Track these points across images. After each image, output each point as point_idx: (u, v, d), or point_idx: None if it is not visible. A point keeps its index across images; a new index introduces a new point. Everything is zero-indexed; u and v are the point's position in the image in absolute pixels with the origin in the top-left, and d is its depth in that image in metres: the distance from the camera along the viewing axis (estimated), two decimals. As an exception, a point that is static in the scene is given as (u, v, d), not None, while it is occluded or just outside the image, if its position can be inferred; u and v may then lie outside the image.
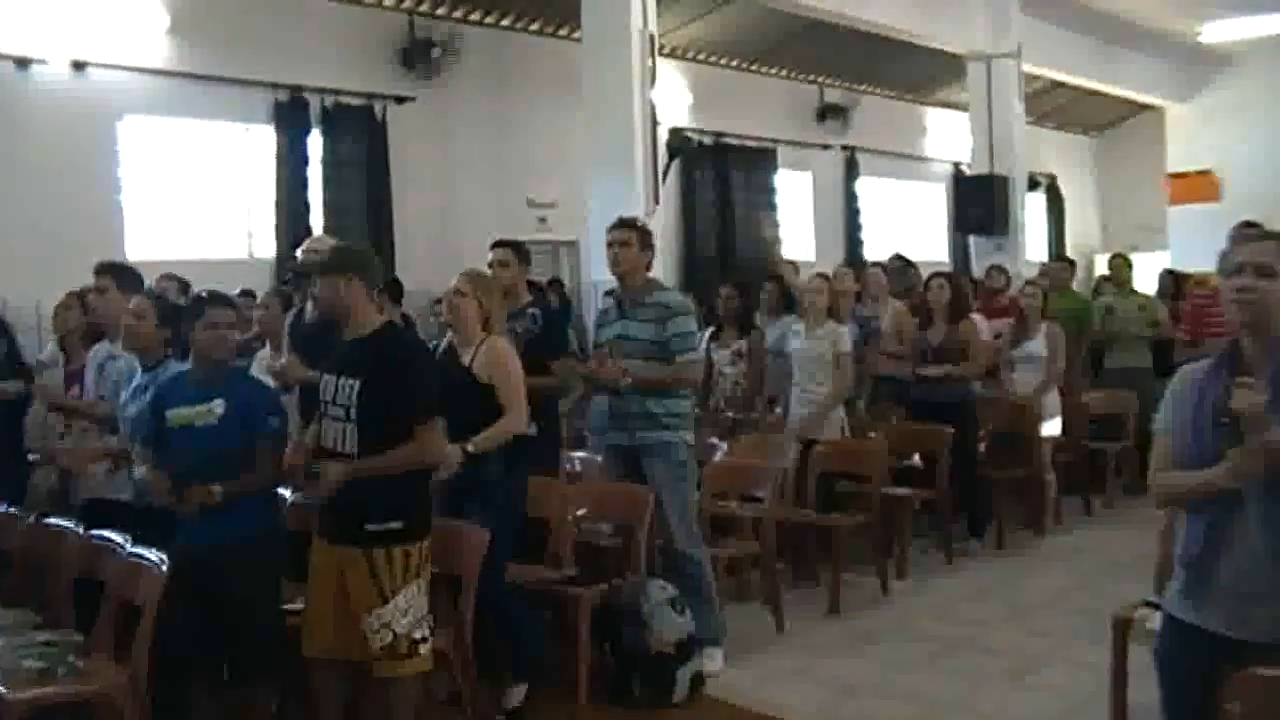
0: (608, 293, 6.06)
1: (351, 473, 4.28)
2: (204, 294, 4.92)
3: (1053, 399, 8.86)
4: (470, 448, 4.97)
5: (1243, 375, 2.98)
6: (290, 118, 10.50)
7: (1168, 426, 3.14)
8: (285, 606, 4.70)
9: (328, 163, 10.75)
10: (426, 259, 10.93)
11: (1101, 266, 18.80)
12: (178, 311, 5.24)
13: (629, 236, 5.82)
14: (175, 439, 4.66)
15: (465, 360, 5.19)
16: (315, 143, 10.69)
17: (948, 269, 14.70)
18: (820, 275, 8.13)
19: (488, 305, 5.28)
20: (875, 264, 9.86)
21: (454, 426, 4.71)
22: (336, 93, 10.79)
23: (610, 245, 5.82)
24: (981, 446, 8.50)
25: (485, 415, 5.10)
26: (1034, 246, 16.69)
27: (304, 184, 10.55)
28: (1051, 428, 8.82)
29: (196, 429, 4.62)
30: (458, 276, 5.37)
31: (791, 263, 10.99)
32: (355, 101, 10.94)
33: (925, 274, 10.68)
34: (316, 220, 10.53)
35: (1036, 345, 8.81)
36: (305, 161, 10.57)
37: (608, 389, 5.80)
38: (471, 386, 5.11)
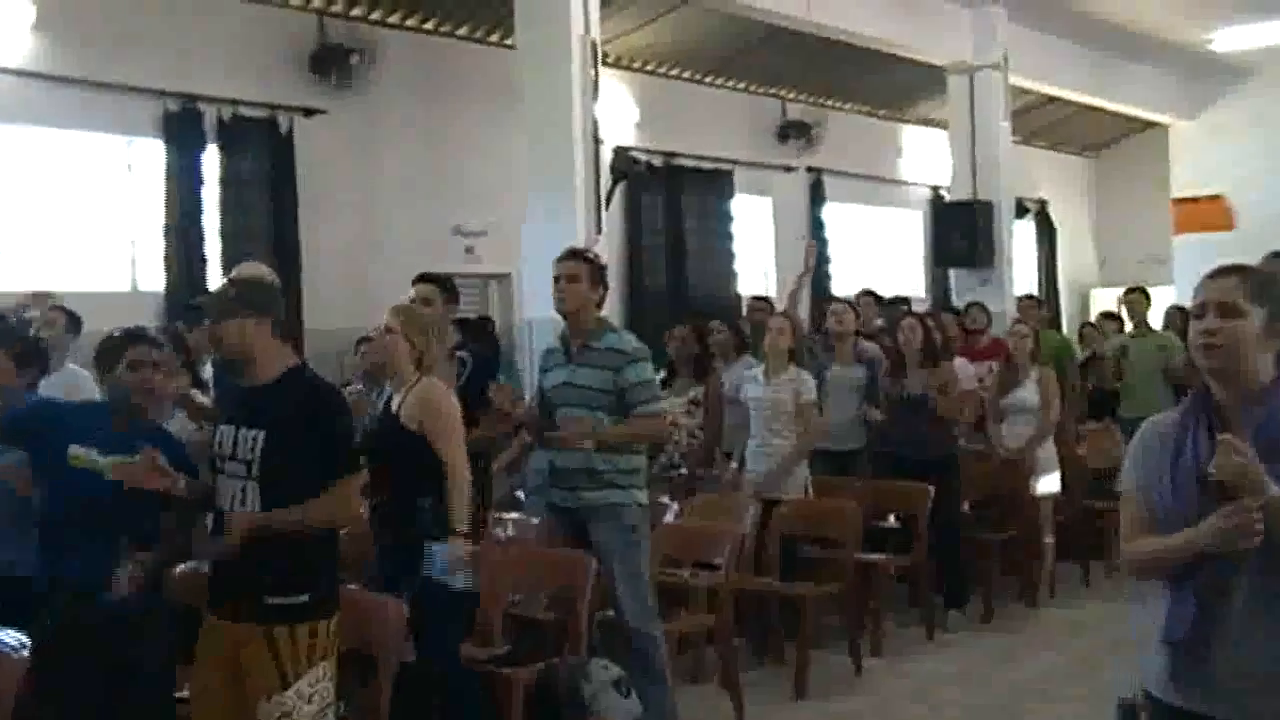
0: (561, 339, 6.08)
1: (261, 522, 4.25)
2: (128, 330, 4.91)
3: (1049, 452, 8.96)
4: (462, 528, 5.05)
5: (1223, 430, 2.95)
6: (181, 130, 10.46)
7: (1137, 486, 3.12)
8: (176, 694, 4.67)
9: (225, 183, 10.67)
10: (339, 295, 10.92)
11: (1100, 303, 19.13)
12: (37, 346, 5.25)
13: (578, 270, 5.87)
14: (70, 477, 4.50)
15: (395, 406, 5.24)
16: (210, 159, 10.61)
17: (925, 306, 14.93)
18: (783, 314, 8.25)
19: (420, 343, 5.34)
20: (839, 300, 9.93)
21: (393, 486, 4.73)
22: (235, 103, 10.76)
23: (557, 279, 5.87)
24: (965, 506, 8.60)
25: (421, 471, 5.13)
26: (1023, 280, 16.90)
27: (197, 207, 10.45)
28: (1049, 484, 8.91)
29: (98, 480, 4.46)
30: (388, 311, 5.43)
31: (763, 300, 11.07)
32: (257, 113, 10.93)
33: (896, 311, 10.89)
34: (212, 248, 10.44)
35: (1028, 392, 8.91)
36: (199, 181, 10.49)
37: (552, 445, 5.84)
38: (397, 435, 5.15)
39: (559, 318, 6.02)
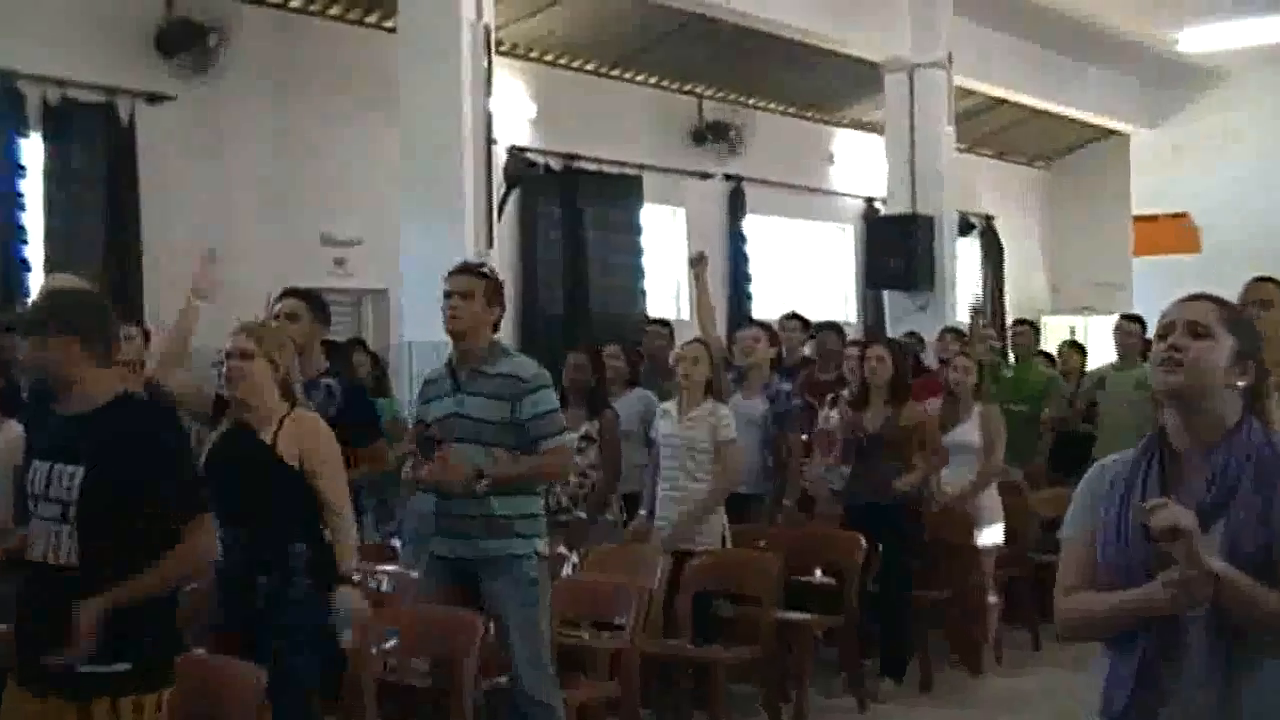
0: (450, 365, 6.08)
1: (114, 605, 4.06)
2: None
3: (992, 500, 9.08)
4: (356, 577, 5.04)
5: (1177, 475, 3.00)
6: (-3, 114, 10.33)
7: (1081, 533, 3.15)
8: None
9: (51, 177, 10.52)
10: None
11: (1053, 331, 19.39)
12: None
13: (472, 286, 5.90)
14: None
15: (265, 437, 5.21)
16: (33, 149, 10.44)
17: (855, 332, 15.06)
18: (697, 341, 8.29)
19: (283, 365, 5.32)
20: (754, 324, 9.94)
21: (259, 527, 4.70)
22: (64, 84, 10.60)
23: (448, 295, 5.90)
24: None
25: (296, 512, 5.12)
26: (965, 306, 17.07)
27: (17, 204, 10.25)
28: (993, 535, 9.03)
29: None
30: (234, 332, 5.38)
31: (661, 324, 11.07)
32: (91, 97, 10.79)
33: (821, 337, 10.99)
34: (35, 253, 10.27)
35: (968, 431, 9.04)
36: (19, 173, 10.31)
37: (440, 490, 5.83)
38: (273, 469, 5.12)
39: (443, 340, 6.05)
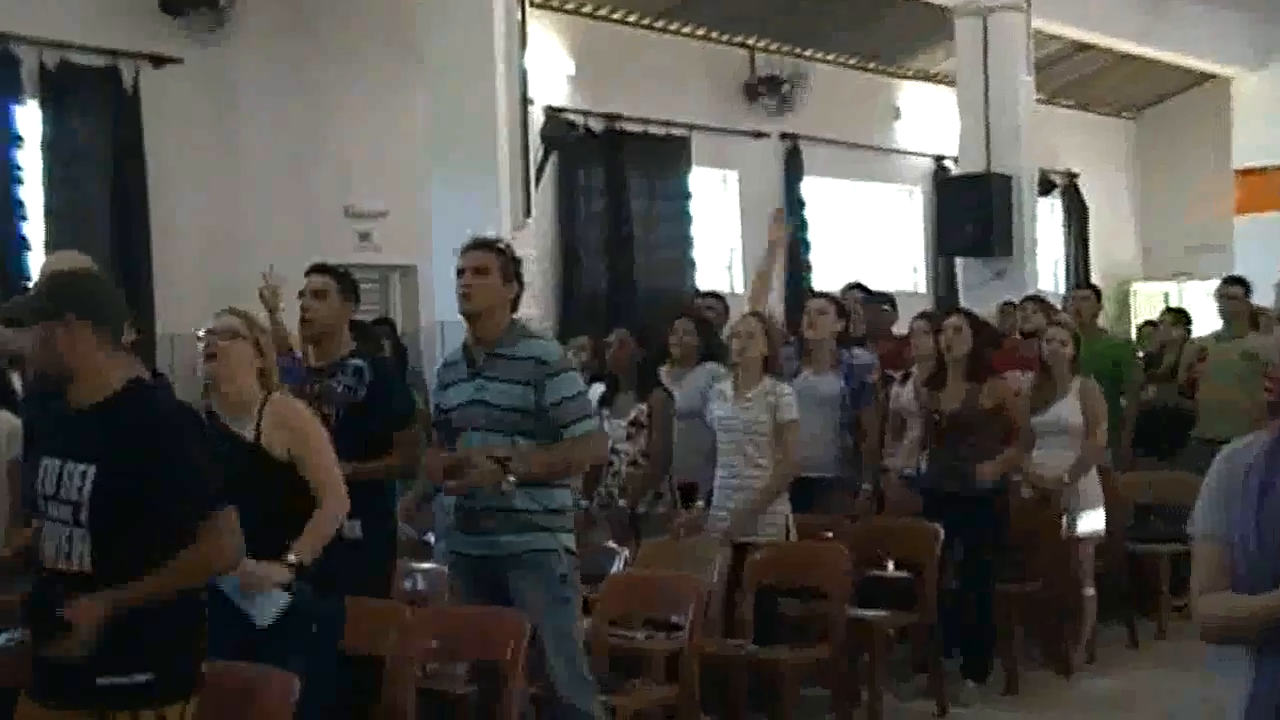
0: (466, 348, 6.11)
1: (116, 607, 4.07)
2: None
3: (1091, 483, 9.01)
4: (294, 558, 5.00)
5: None
6: (-10, 80, 10.41)
7: (1215, 531, 3.12)
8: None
9: (50, 147, 10.57)
10: (200, 292, 10.79)
11: (1145, 299, 19.30)
12: None
13: (487, 262, 5.90)
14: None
15: (249, 433, 5.21)
16: (31, 118, 10.51)
17: (925, 304, 15.02)
18: (754, 314, 8.27)
19: (268, 353, 5.36)
20: (818, 295, 9.87)
21: (257, 532, 4.69)
22: (64, 46, 10.66)
23: (461, 274, 5.91)
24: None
25: (291, 505, 5.14)
26: (1047, 273, 17.01)
27: (13, 177, 10.30)
28: (1092, 523, 8.95)
29: None
30: (219, 315, 5.41)
31: (714, 297, 11.01)
32: (93, 61, 10.83)
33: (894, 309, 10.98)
34: (35, 230, 10.35)
35: (1066, 409, 8.94)
36: (15, 144, 10.37)
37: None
38: (259, 464, 5.14)
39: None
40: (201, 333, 5.40)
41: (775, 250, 9.48)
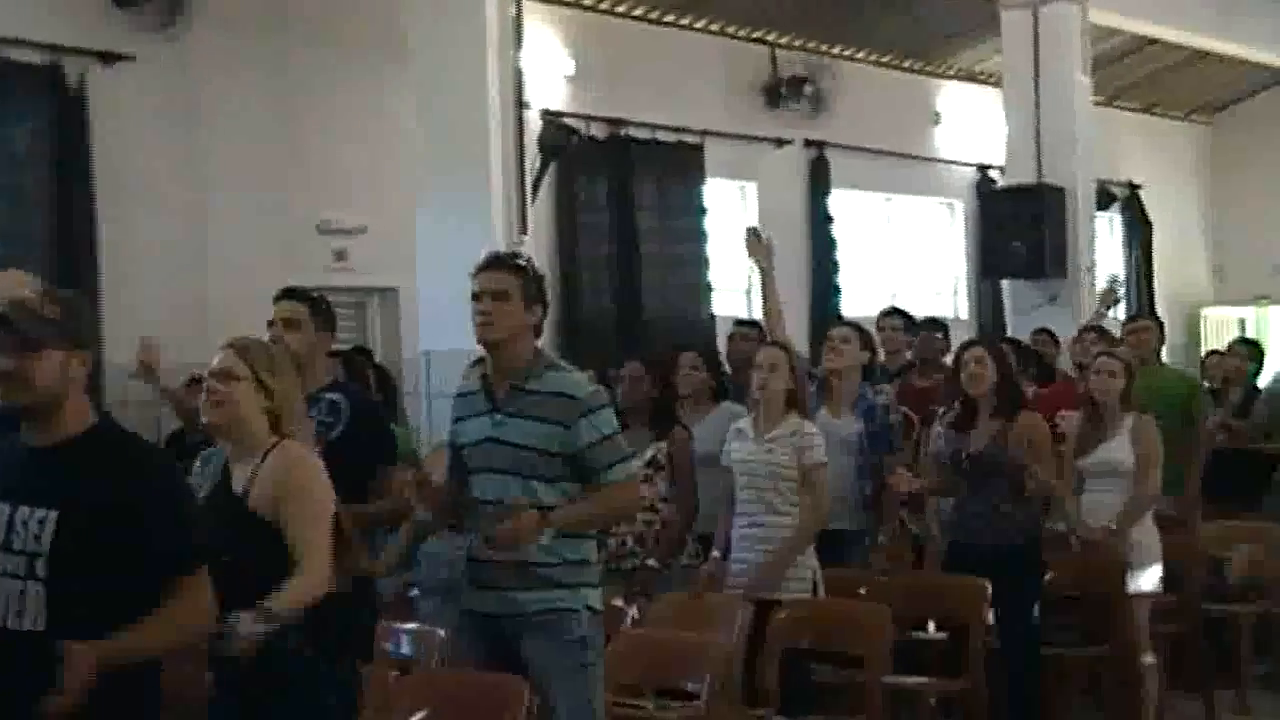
0: (475, 362, 6.12)
1: (104, 655, 4.02)
2: None
3: (1148, 534, 8.98)
4: (270, 606, 4.96)
5: None
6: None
7: None
8: None
9: (-15, 154, 10.64)
10: (155, 317, 10.80)
11: (1216, 327, 19.23)
12: None
13: (508, 283, 5.82)
14: None
15: (240, 483, 5.19)
16: (-39, 120, 10.58)
17: (969, 332, 15.01)
18: (776, 344, 8.29)
19: (278, 392, 5.31)
20: (844, 323, 9.79)
21: (238, 598, 4.67)
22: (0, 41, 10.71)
23: (478, 297, 5.82)
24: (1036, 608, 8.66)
25: (278, 575, 5.09)
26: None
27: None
28: (1148, 579, 8.92)
29: None
30: (223, 350, 5.38)
31: (751, 325, 10.94)
32: (33, 57, 10.86)
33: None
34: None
35: (1119, 449, 8.95)
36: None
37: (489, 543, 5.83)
38: (246, 527, 5.11)
39: (471, 349, 6.02)
40: (204, 373, 5.35)
41: (766, 275, 9.37)
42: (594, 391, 5.87)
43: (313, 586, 5.08)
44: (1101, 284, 10.33)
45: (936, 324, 11.02)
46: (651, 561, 8.10)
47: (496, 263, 5.94)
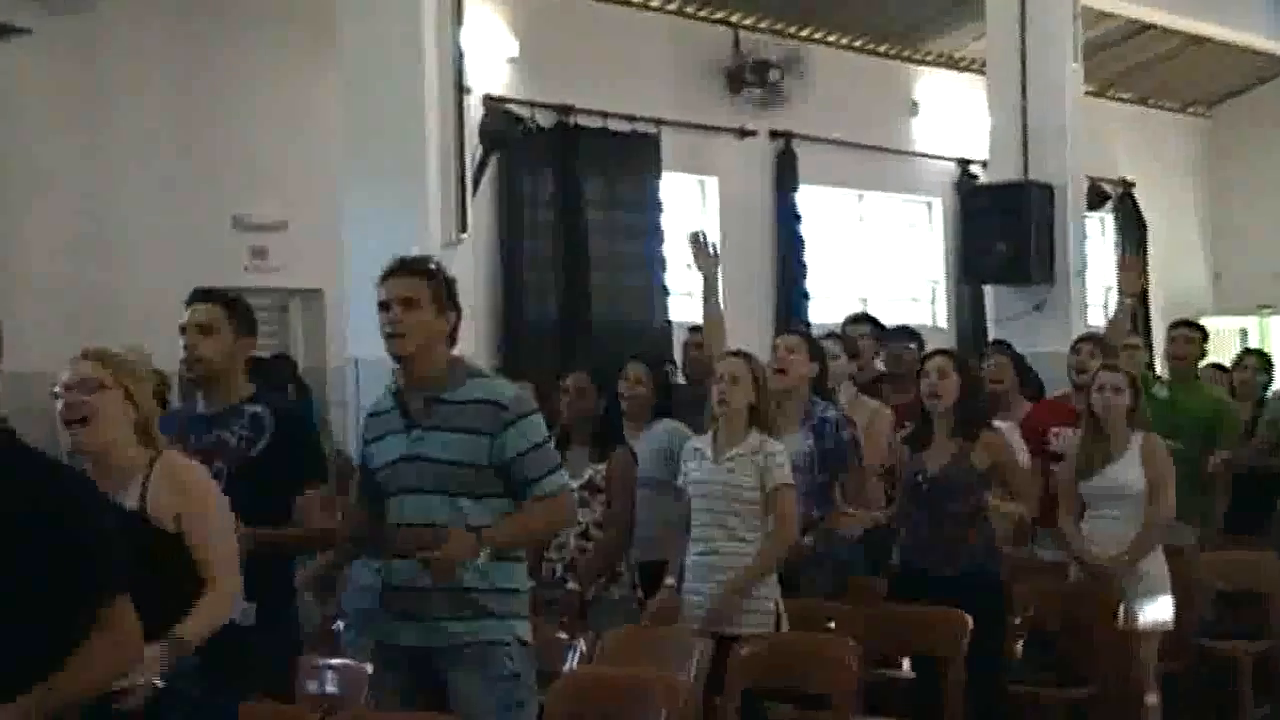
0: (394, 393, 6.11)
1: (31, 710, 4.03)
2: None
3: (1157, 564, 9.00)
4: (181, 635, 4.95)
5: None
6: None
7: None
8: None
9: None
10: (50, 318, 10.76)
11: (1220, 340, 19.17)
12: None
13: (415, 291, 5.88)
14: None
15: (132, 501, 5.19)
16: None
17: (946, 341, 15.04)
18: (737, 354, 8.28)
19: (143, 402, 5.31)
20: (793, 331, 9.82)
21: (147, 622, 4.65)
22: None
23: (385, 306, 5.89)
24: (1019, 646, 8.68)
25: (178, 587, 5.10)
26: (1097, 304, 17.02)
27: None
28: (1157, 612, 8.93)
29: None
30: (78, 358, 5.31)
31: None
32: (-85, 31, 10.84)
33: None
34: None
35: (1126, 470, 8.97)
36: None
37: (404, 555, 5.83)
38: (142, 536, 5.09)
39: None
40: (57, 388, 5.24)
41: (710, 284, 9.33)
42: (520, 397, 5.96)
43: (224, 609, 5.10)
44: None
45: (908, 333, 10.99)
46: (571, 585, 8.11)
47: (403, 268, 5.98)
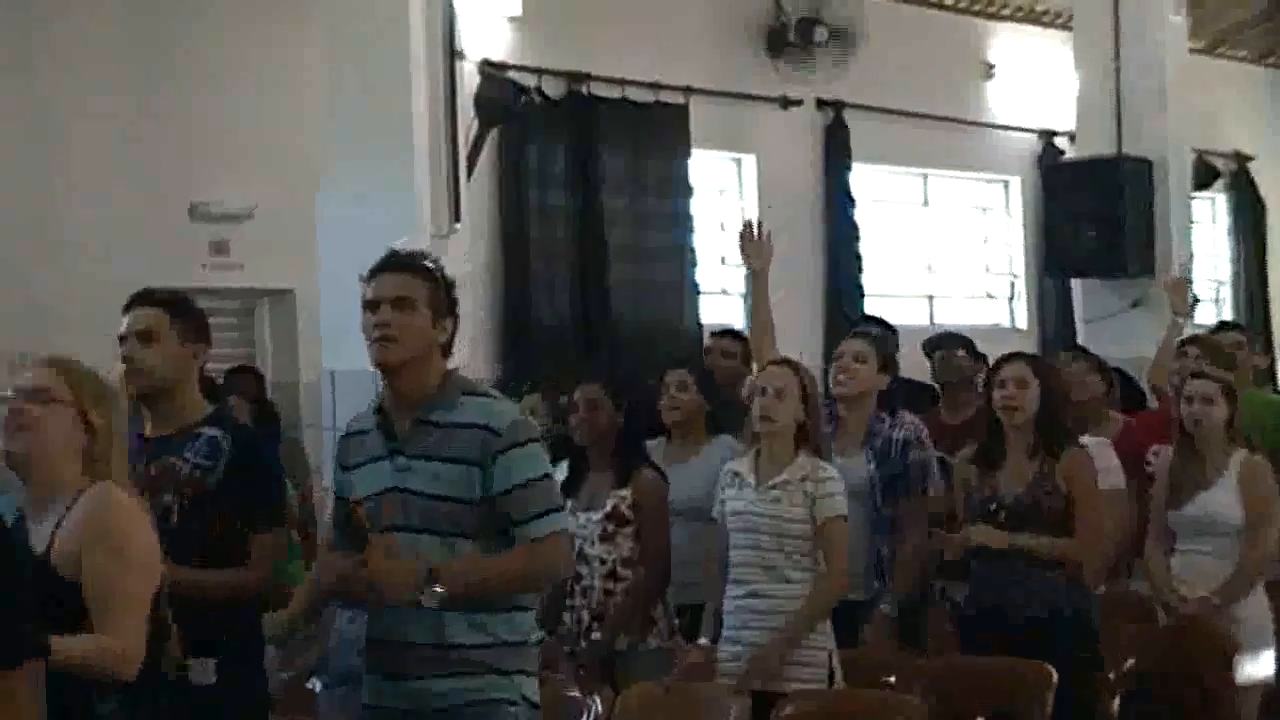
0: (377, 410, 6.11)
1: None
2: None
3: (1258, 608, 8.99)
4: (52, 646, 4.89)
5: None
6: None
7: None
8: None
9: None
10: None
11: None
12: None
13: (411, 290, 5.84)
14: None
15: (41, 541, 5.17)
16: None
17: (1029, 345, 15.02)
18: (785, 362, 8.26)
19: (101, 431, 5.30)
20: (858, 334, 9.76)
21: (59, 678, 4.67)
22: None
23: (373, 308, 5.86)
24: (1115, 702, 8.68)
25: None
26: (1206, 303, 16.95)
27: None
28: (1260, 664, 8.92)
29: None
30: (40, 363, 5.35)
31: (733, 337, 10.93)
32: None
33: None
34: None
35: (1222, 498, 8.94)
36: None
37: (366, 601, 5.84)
38: (51, 592, 5.07)
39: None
40: (10, 391, 5.31)
41: (758, 280, 9.43)
42: (517, 422, 5.84)
43: (117, 664, 5.05)
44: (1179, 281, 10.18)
45: (955, 339, 10.91)
46: (597, 634, 8.08)
47: (398, 264, 5.91)
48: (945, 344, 10.73)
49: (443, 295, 5.90)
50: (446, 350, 5.93)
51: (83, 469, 5.23)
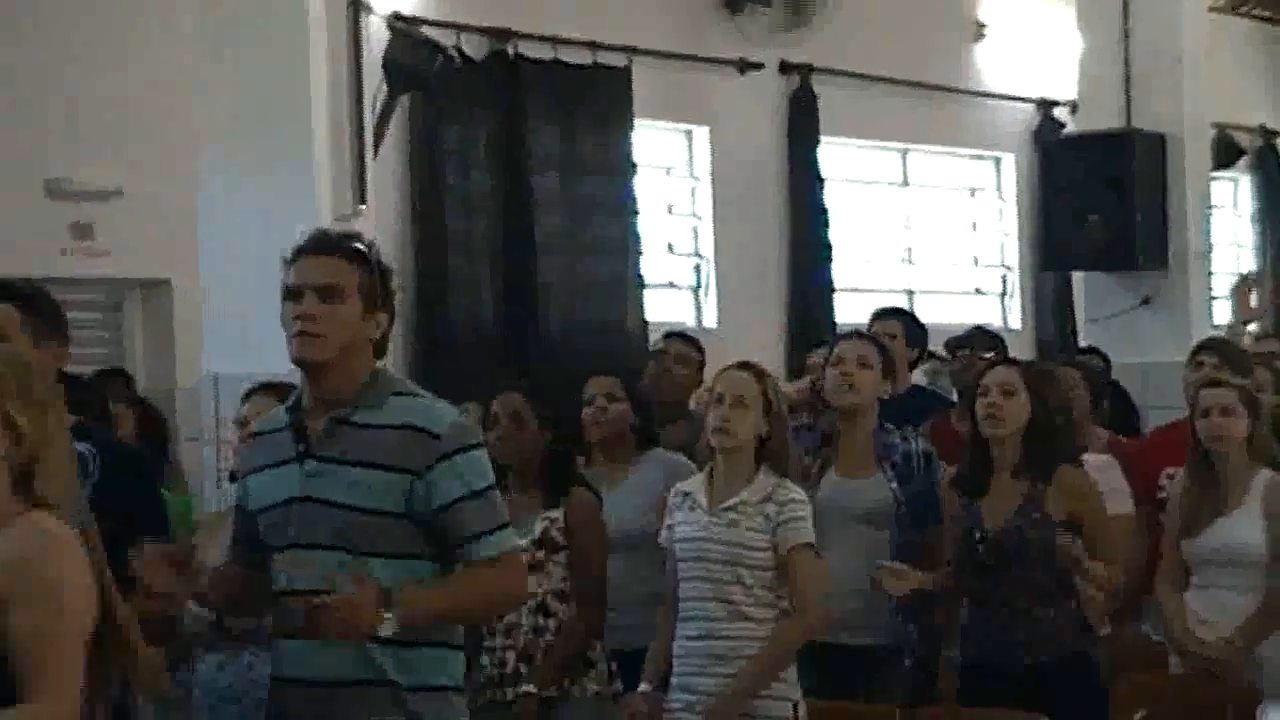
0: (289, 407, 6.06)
1: None
2: None
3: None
4: None
5: None
6: None
7: None
8: None
9: None
10: None
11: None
12: None
13: (342, 276, 5.80)
14: None
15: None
16: None
17: (1027, 345, 15.07)
18: (744, 366, 8.25)
19: (31, 434, 5.21)
20: (856, 334, 9.85)
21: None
22: None
23: (298, 295, 5.78)
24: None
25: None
26: (1226, 299, 17.06)
27: None
28: (1288, 711, 8.96)
29: None
30: None
31: (683, 340, 10.92)
32: None
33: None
34: None
35: (1243, 526, 8.97)
36: None
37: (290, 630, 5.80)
38: None
39: (285, 374, 5.99)
40: None
41: None
42: (460, 426, 5.81)
43: None
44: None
45: (986, 336, 10.91)
46: (528, 686, 8.05)
47: (326, 245, 5.87)
48: (973, 343, 10.75)
49: (377, 284, 5.85)
50: (380, 349, 5.90)
51: (15, 489, 4.98)
